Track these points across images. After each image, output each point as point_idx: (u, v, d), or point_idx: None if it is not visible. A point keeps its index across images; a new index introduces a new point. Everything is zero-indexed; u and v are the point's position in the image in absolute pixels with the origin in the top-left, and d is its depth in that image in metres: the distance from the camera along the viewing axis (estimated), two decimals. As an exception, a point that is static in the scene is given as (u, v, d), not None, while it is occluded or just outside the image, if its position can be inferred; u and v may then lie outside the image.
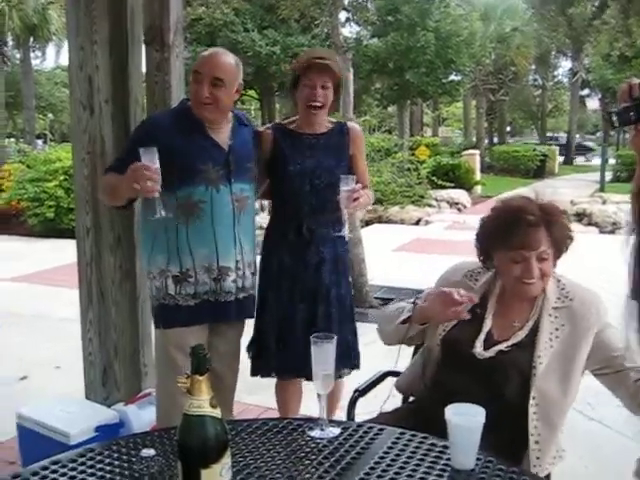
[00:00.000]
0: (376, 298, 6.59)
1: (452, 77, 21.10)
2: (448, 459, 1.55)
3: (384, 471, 1.52)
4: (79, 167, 3.30)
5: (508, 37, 28.45)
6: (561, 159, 32.47)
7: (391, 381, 2.37)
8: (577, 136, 42.77)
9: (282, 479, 1.45)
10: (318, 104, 2.77)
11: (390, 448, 1.63)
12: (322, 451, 1.63)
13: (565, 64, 37.02)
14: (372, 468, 1.53)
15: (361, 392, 2.37)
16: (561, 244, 2.03)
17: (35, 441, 2.97)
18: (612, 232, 11.55)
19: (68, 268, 8.53)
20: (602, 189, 18.74)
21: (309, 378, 2.91)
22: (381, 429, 1.75)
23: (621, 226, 11.63)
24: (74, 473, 1.54)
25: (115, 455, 1.63)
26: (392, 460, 1.57)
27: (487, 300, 2.11)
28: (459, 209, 15.07)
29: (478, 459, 1.52)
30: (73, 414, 2.99)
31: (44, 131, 39.06)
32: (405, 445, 1.65)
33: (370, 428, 1.76)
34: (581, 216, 12.36)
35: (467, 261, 2.24)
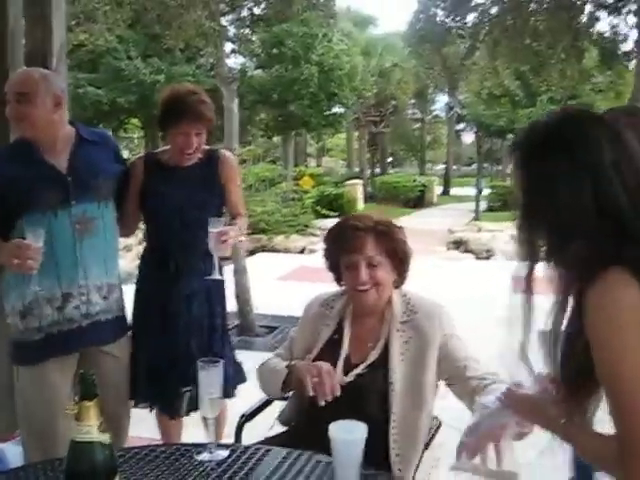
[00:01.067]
0: (261, 327, 6.63)
1: (335, 109, 21.64)
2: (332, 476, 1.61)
3: (271, 490, 1.56)
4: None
5: (388, 72, 29.59)
6: (439, 189, 33.83)
7: (278, 405, 2.41)
8: (454, 167, 44.69)
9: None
10: (191, 151, 2.74)
11: (278, 467, 1.69)
12: (210, 474, 1.65)
13: (442, 99, 38.70)
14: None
15: (247, 417, 2.39)
16: (394, 254, 2.11)
17: None
18: (487, 258, 12.15)
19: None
20: (477, 218, 19.68)
21: (179, 416, 2.89)
22: (268, 450, 1.80)
23: (494, 253, 12.27)
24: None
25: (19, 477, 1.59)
26: (280, 478, 1.62)
27: (343, 325, 2.19)
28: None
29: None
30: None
31: None
32: (292, 464, 1.71)
33: (257, 449, 1.80)
34: (458, 244, 12.94)
35: (323, 292, 2.32)
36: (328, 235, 2.27)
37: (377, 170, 38.18)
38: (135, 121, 19.59)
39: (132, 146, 18.99)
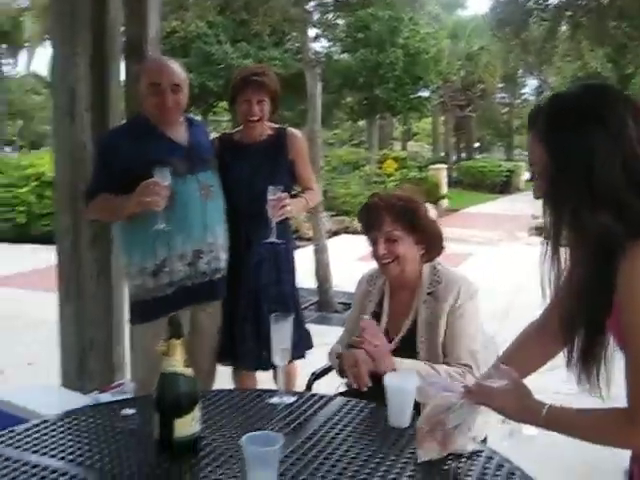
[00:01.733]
0: (340, 303, 6.87)
1: (420, 93, 21.54)
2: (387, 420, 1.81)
3: (331, 428, 1.78)
4: (60, 171, 3.52)
5: (476, 55, 29.11)
6: (527, 175, 33.19)
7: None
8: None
9: (240, 433, 1.70)
10: (255, 118, 3.02)
11: (338, 412, 1.90)
12: (279, 414, 1.88)
13: (532, 82, 37.73)
14: (321, 426, 1.79)
15: (317, 375, 2.63)
16: (415, 229, 2.26)
17: (11, 424, 3.15)
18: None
19: (41, 272, 8.71)
20: (563, 204, 19.20)
21: (261, 369, 3.14)
22: (331, 398, 2.01)
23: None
24: (62, 429, 1.78)
25: (98, 416, 1.87)
26: (339, 420, 1.83)
27: (383, 300, 2.39)
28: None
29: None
30: (50, 399, 3.17)
31: (13, 137, 38.76)
32: (350, 409, 1.91)
33: (322, 397, 2.02)
34: (541, 230, 12.73)
35: (370, 269, 2.50)
36: (358, 214, 2.46)
37: (463, 155, 37.70)
38: (223, 104, 20.07)
39: (219, 129, 19.50)
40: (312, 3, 6.78)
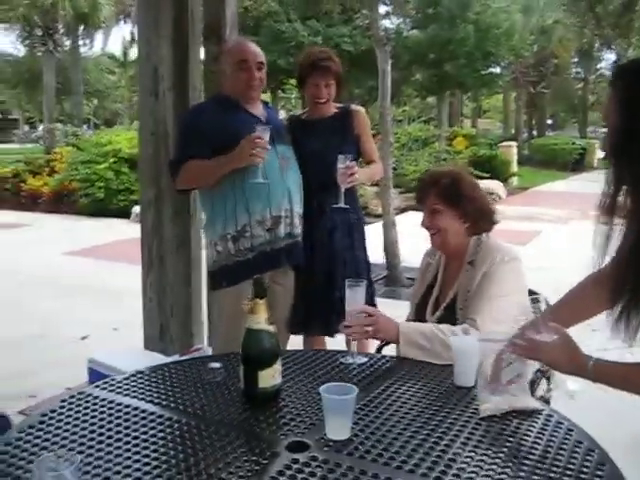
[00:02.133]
0: (408, 278, 6.98)
1: (491, 69, 21.20)
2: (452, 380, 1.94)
3: (401, 385, 1.92)
4: (144, 146, 3.75)
5: (550, 29, 28.38)
6: (601, 153, 32.28)
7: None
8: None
9: (317, 386, 1.86)
10: (322, 100, 3.25)
11: (407, 372, 2.04)
12: (351, 372, 2.03)
13: (609, 56, 36.53)
14: (391, 383, 1.93)
15: (387, 342, 2.76)
16: (458, 203, 2.38)
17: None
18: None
19: (120, 244, 9.14)
20: (639, 183, 18.70)
21: (330, 334, 3.30)
22: (401, 359, 2.15)
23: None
24: (154, 379, 1.98)
25: (187, 368, 2.06)
26: (408, 379, 1.97)
27: (438, 272, 2.55)
28: (494, 199, 15.27)
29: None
30: (138, 359, 3.42)
31: (88, 116, 39.98)
32: (420, 369, 2.05)
33: (392, 358, 2.17)
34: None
35: None
36: None
37: (534, 132, 36.92)
38: (293, 81, 20.26)
39: (289, 106, 19.69)
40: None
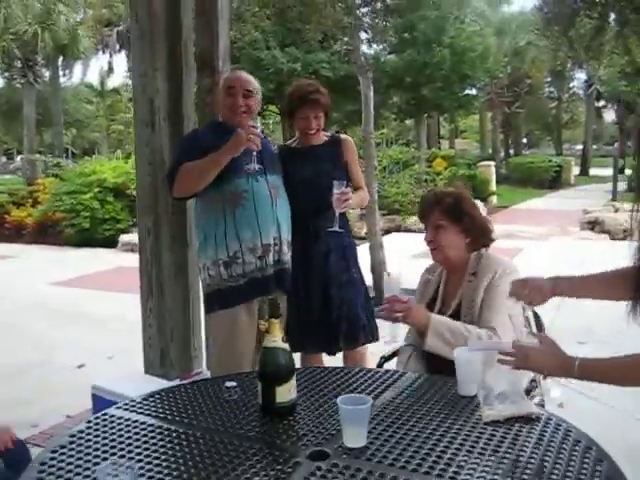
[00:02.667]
0: (396, 298, 7.09)
1: (467, 91, 21.56)
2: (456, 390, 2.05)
3: (409, 395, 2.04)
4: (142, 176, 3.86)
5: (523, 50, 28.96)
6: (577, 170, 32.80)
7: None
8: (594, 147, 42.97)
9: (329, 400, 1.97)
10: (313, 132, 3.36)
11: (412, 383, 2.15)
12: (361, 385, 2.14)
13: (580, 76, 37.24)
14: (399, 394, 2.05)
15: (386, 358, 2.88)
16: (460, 220, 2.59)
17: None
18: (623, 239, 11.92)
19: (108, 273, 9.17)
20: (614, 198, 19.07)
21: (330, 353, 3.41)
22: (404, 373, 2.27)
23: (633, 233, 12.01)
24: (172, 399, 2.07)
25: (202, 388, 2.16)
26: (414, 390, 2.09)
27: (439, 286, 2.71)
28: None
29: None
30: (141, 384, 3.49)
31: (67, 146, 39.88)
32: (423, 382, 2.16)
33: (396, 372, 2.28)
34: (593, 224, 12.75)
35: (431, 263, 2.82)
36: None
37: (511, 151, 37.43)
38: (272, 108, 20.47)
39: (267, 131, 19.90)
40: (363, 9, 7.05)
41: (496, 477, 1.52)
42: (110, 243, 11.41)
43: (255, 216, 3.06)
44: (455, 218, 2.60)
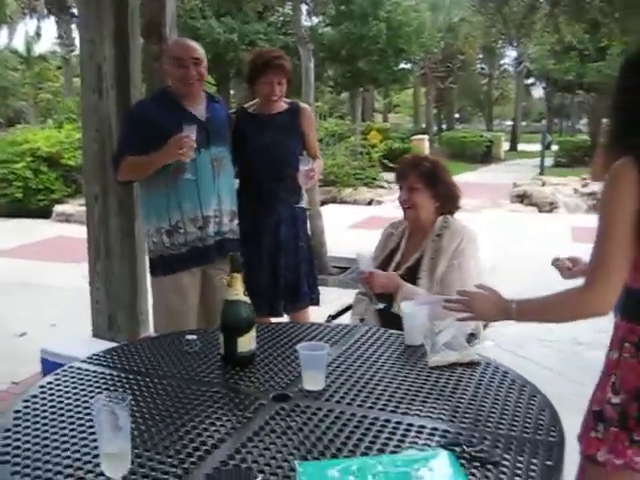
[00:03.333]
0: (334, 267, 7.29)
1: (402, 65, 21.82)
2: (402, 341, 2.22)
3: (361, 345, 2.19)
4: (89, 143, 3.87)
5: (456, 27, 29.42)
6: (507, 146, 33.69)
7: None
8: (523, 123, 44.09)
9: (286, 349, 2.10)
10: (276, 98, 3.37)
11: (365, 334, 2.31)
12: (317, 336, 2.28)
13: (511, 53, 38.08)
14: (352, 344, 2.20)
15: (333, 317, 3.03)
16: (434, 185, 2.80)
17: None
18: (550, 211, 12.43)
19: (46, 243, 9.03)
20: (542, 173, 19.76)
21: (276, 315, 3.53)
22: (355, 326, 2.43)
23: (557, 206, 12.53)
24: (135, 351, 2.17)
25: (165, 340, 2.26)
26: (365, 340, 2.25)
27: (401, 241, 2.92)
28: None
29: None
30: (92, 346, 3.54)
31: (-10, 113, 38.35)
32: (371, 335, 2.32)
33: (347, 325, 2.44)
34: (522, 197, 13.21)
35: (398, 219, 3.03)
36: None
37: (444, 126, 38.09)
38: (209, 78, 20.26)
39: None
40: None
41: (443, 411, 1.69)
42: (44, 213, 11.17)
43: (196, 188, 3.12)
44: (429, 183, 2.80)
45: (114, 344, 3.57)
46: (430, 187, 2.80)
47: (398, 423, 1.62)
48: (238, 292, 1.99)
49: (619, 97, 1.70)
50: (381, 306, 2.64)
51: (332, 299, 3.36)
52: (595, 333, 4.86)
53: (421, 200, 2.81)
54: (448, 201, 2.86)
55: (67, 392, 1.86)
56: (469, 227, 2.85)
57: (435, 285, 2.66)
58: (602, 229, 1.60)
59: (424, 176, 2.81)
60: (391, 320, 2.55)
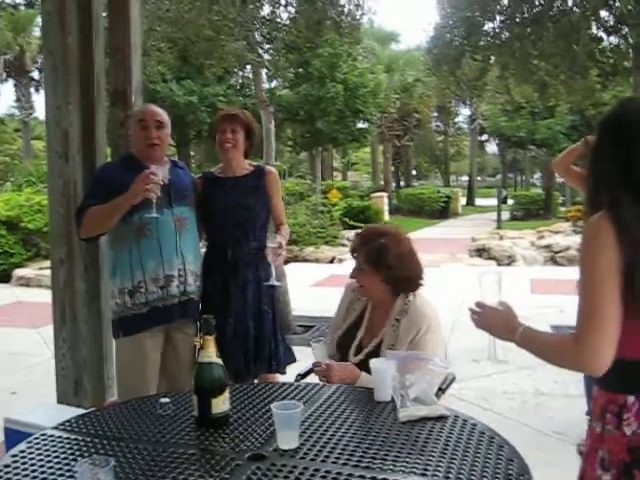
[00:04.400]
0: (299, 325, 7.31)
1: (360, 125, 22.27)
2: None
3: (333, 402, 2.23)
4: (54, 207, 3.89)
5: (411, 87, 30.27)
6: (464, 201, 34.37)
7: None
8: (478, 178, 45.10)
9: (260, 410, 2.13)
10: (229, 145, 3.40)
11: (334, 392, 2.35)
12: (288, 395, 2.31)
13: (465, 111, 39.19)
14: (323, 402, 2.24)
15: (302, 376, 3.04)
16: (379, 267, 2.64)
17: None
18: (508, 264, 12.67)
19: (5, 308, 8.87)
20: (499, 227, 20.19)
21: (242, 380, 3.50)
22: (324, 385, 2.46)
23: (515, 259, 12.78)
24: (108, 415, 2.17)
25: (137, 405, 2.27)
26: (337, 397, 2.28)
27: (364, 313, 2.81)
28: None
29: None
30: (57, 414, 3.48)
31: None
32: (342, 393, 2.36)
33: (317, 384, 2.47)
34: (480, 251, 13.45)
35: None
36: None
37: (402, 183, 38.74)
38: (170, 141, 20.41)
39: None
40: (265, 46, 7.32)
41: (416, 465, 1.74)
42: (3, 277, 11.02)
43: (159, 247, 3.16)
44: (375, 266, 2.64)
45: (81, 410, 3.58)
46: (375, 271, 2.65)
47: (372, 479, 1.66)
48: (211, 354, 2.02)
49: (592, 155, 1.77)
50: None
51: (299, 358, 3.39)
52: (554, 384, 5.01)
53: (368, 283, 2.70)
54: (399, 283, 2.67)
55: (41, 460, 1.86)
56: (429, 310, 2.68)
57: None
58: (588, 282, 1.60)
59: (369, 259, 2.65)
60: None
